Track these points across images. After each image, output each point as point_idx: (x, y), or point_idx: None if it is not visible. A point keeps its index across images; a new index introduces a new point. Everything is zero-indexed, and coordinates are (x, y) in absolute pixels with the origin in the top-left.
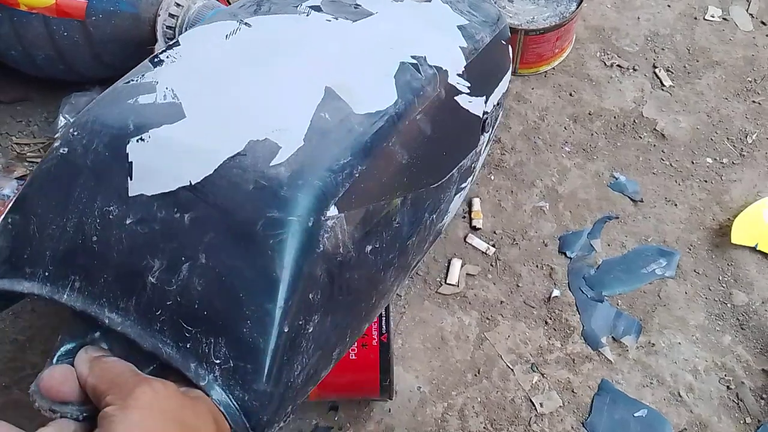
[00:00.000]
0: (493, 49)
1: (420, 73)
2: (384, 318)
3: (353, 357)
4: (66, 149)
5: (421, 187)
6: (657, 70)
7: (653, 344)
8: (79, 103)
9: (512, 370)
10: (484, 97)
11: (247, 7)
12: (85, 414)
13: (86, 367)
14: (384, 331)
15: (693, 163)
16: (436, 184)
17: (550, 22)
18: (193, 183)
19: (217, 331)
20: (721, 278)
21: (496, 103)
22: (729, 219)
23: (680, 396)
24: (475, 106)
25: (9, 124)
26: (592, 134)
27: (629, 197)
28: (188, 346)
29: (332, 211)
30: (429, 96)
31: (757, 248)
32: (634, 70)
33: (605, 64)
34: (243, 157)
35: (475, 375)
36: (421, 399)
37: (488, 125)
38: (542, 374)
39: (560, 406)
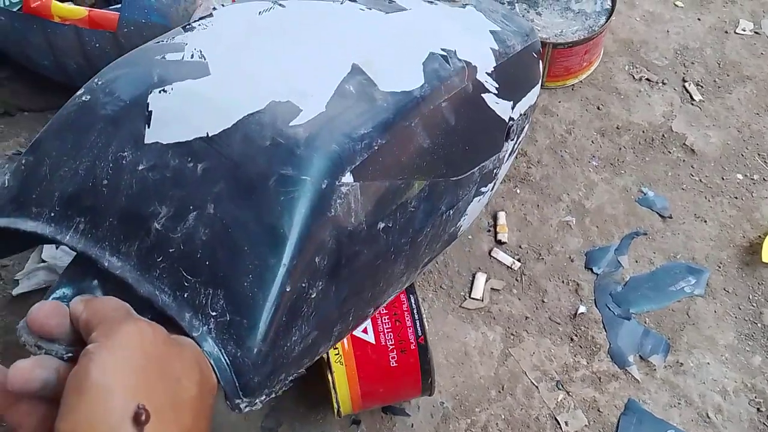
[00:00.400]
0: (523, 57)
1: (449, 64)
2: (418, 321)
3: (394, 364)
4: (88, 97)
5: (440, 176)
6: (687, 84)
7: (681, 363)
8: None
9: (537, 387)
10: (512, 103)
11: None
12: (70, 354)
13: (82, 305)
14: (420, 334)
15: (723, 179)
16: (455, 178)
17: (578, 35)
18: (209, 134)
19: (216, 283)
20: (751, 297)
21: (522, 113)
22: (760, 237)
23: (708, 417)
24: (501, 108)
25: (39, 132)
26: (620, 148)
27: (658, 213)
28: (185, 295)
29: (347, 177)
30: (456, 87)
31: None
32: (664, 83)
33: (634, 77)
34: (262, 115)
35: (499, 391)
36: (444, 414)
37: (513, 133)
38: (567, 392)
39: (586, 425)
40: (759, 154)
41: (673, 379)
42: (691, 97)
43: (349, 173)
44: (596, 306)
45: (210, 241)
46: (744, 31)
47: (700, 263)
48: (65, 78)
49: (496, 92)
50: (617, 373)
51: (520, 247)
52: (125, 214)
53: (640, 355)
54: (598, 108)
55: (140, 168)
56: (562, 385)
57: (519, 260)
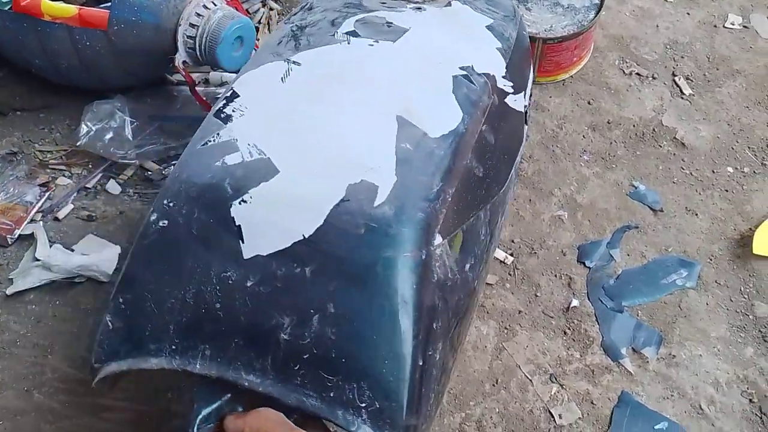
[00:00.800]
0: (520, 43)
1: (473, 83)
2: None
3: None
4: (165, 222)
5: (493, 196)
6: (677, 79)
7: (674, 356)
8: (101, 111)
9: (531, 380)
10: (523, 93)
11: (286, 44)
12: None
13: (241, 422)
14: None
15: (714, 172)
16: (503, 189)
17: (568, 30)
18: (306, 236)
19: (357, 376)
20: (743, 289)
21: (529, 94)
22: (751, 229)
23: (702, 409)
24: (519, 103)
25: (32, 131)
26: (611, 143)
27: (649, 207)
28: (331, 395)
29: (438, 239)
30: (486, 105)
31: None
32: (654, 78)
33: (624, 72)
34: (347, 203)
35: (494, 385)
36: (439, 409)
37: (528, 115)
38: (561, 385)
39: (579, 418)
40: (749, 147)
41: (666, 372)
42: (681, 91)
43: (437, 234)
44: (589, 299)
45: (339, 338)
46: (733, 25)
47: (692, 256)
48: (59, 77)
49: (513, 91)
50: (610, 366)
51: (512, 241)
52: (249, 332)
53: (633, 348)
54: (589, 103)
55: (249, 284)
56: (556, 378)
57: (512, 255)
